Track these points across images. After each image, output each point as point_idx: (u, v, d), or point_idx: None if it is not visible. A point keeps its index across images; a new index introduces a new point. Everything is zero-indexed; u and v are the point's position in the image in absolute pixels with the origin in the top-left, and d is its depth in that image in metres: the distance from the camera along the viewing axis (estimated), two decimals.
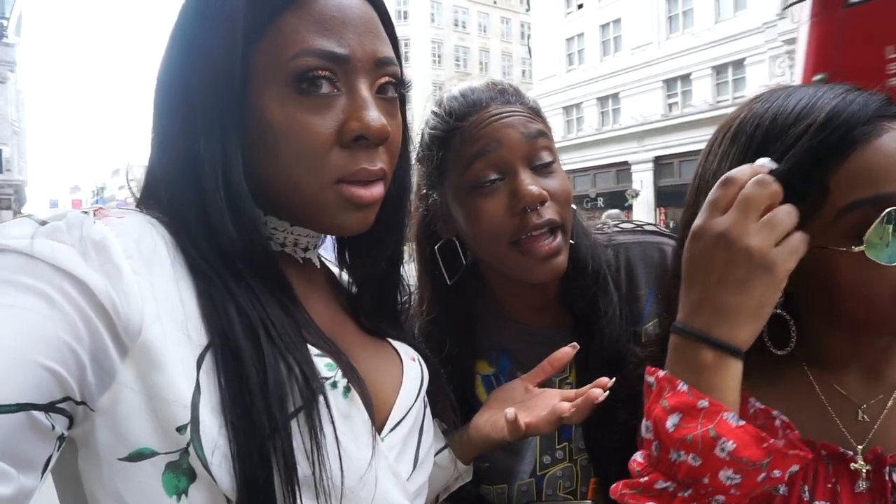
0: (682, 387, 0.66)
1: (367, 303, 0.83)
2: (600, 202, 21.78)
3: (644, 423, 0.70)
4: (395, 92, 0.70)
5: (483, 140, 0.96)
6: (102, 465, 0.53)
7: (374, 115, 0.64)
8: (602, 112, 24.52)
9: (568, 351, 0.92)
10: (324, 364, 0.63)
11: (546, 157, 0.97)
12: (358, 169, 0.65)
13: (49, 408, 0.48)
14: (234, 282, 0.60)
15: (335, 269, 0.87)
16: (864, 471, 0.72)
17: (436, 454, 0.91)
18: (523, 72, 41.79)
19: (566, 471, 1.07)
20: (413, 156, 0.82)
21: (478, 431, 0.93)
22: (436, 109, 1.02)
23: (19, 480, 0.46)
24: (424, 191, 1.08)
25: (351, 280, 0.85)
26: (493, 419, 0.90)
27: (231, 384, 0.55)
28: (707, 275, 0.66)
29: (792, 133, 0.68)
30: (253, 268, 0.63)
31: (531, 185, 0.93)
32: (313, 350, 0.63)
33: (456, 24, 44.99)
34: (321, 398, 0.59)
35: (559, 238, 0.96)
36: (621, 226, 1.18)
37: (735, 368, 0.66)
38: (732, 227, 0.64)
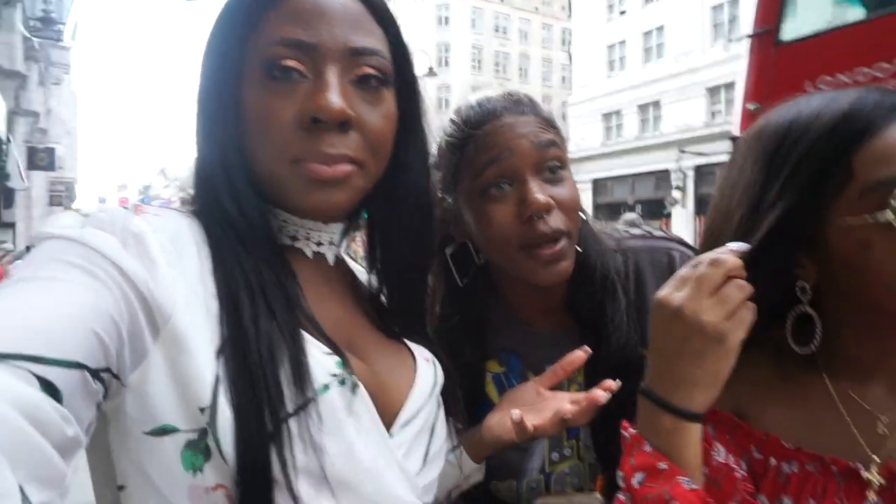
0: (647, 447, 0.72)
1: (393, 304, 0.85)
2: (638, 209, 21.51)
3: (618, 472, 0.74)
4: (377, 83, 0.71)
5: (495, 149, 0.99)
6: (129, 437, 0.58)
7: (333, 99, 0.66)
8: (642, 119, 24.22)
9: (580, 355, 0.94)
10: (333, 361, 0.65)
11: (555, 165, 1.01)
12: (316, 150, 0.67)
13: (95, 374, 0.52)
14: (246, 260, 0.66)
15: (359, 270, 0.90)
16: (877, 485, 0.71)
17: (449, 452, 0.93)
18: (563, 78, 41.55)
19: (574, 468, 1.09)
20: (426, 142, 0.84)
21: (490, 432, 0.95)
22: (454, 118, 1.07)
23: (76, 428, 0.50)
24: (440, 195, 1.11)
25: (379, 281, 0.86)
26: (504, 420, 0.92)
27: (239, 376, 0.58)
28: (666, 346, 0.72)
29: (812, 130, 0.71)
30: (258, 251, 0.67)
31: (538, 193, 0.96)
32: (322, 348, 0.66)
33: (497, 30, 44.98)
34: (322, 395, 0.62)
35: (563, 243, 0.99)
36: (632, 231, 1.19)
37: (694, 433, 0.71)
38: (687, 303, 0.69)
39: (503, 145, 0.99)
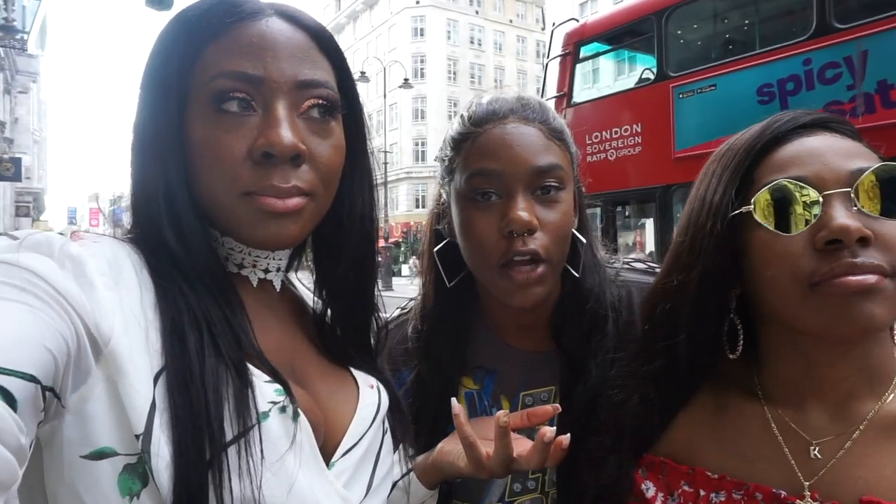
0: None
1: (338, 328, 0.84)
2: None
3: None
4: (325, 114, 0.71)
5: (490, 156, 0.94)
6: (65, 463, 0.56)
7: (285, 134, 0.66)
8: None
9: (548, 410, 0.89)
10: (272, 389, 0.64)
11: (551, 186, 0.95)
12: (267, 185, 0.66)
13: (43, 391, 0.51)
14: (189, 290, 0.65)
15: (308, 295, 0.89)
16: None
17: (399, 479, 0.91)
18: (538, 90, 42.00)
19: (535, 501, 1.04)
20: (377, 174, 0.85)
21: (444, 456, 0.92)
22: (463, 113, 1.03)
23: (27, 439, 0.49)
24: (440, 190, 1.09)
25: (323, 305, 0.85)
26: (458, 446, 0.89)
27: (178, 404, 0.57)
28: None
29: (735, 147, 0.80)
30: (202, 281, 0.66)
31: (522, 211, 0.91)
32: (262, 376, 0.65)
33: (472, 42, 45.36)
34: (263, 423, 0.61)
35: (541, 269, 0.94)
36: (633, 264, 1.15)
37: None
38: None
39: (498, 154, 0.94)
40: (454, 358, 1.08)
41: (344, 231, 0.80)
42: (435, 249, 1.07)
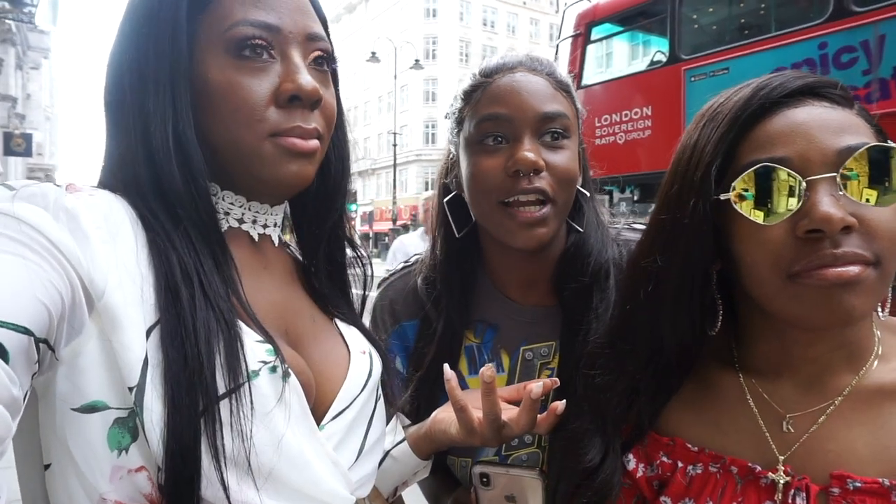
0: None
1: (320, 273, 0.86)
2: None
3: None
4: (327, 66, 0.76)
5: (498, 99, 0.98)
6: (57, 414, 0.57)
7: (308, 79, 0.70)
8: None
9: (547, 384, 0.88)
10: (263, 349, 0.64)
11: (558, 130, 0.98)
12: (293, 126, 0.70)
13: (37, 343, 0.51)
14: (182, 246, 0.64)
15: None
16: (781, 484, 0.71)
17: (392, 447, 0.93)
18: None
19: (532, 455, 1.06)
20: (349, 132, 0.89)
21: (437, 424, 0.94)
22: (474, 71, 1.06)
23: (20, 391, 0.49)
24: (448, 145, 1.11)
25: (303, 255, 0.87)
26: (452, 415, 0.91)
27: (171, 356, 0.58)
28: None
29: (719, 116, 0.75)
30: (197, 236, 0.66)
31: (528, 152, 0.94)
32: (253, 335, 0.65)
33: (485, 24, 44.93)
34: (252, 381, 0.61)
35: (546, 210, 0.96)
36: (633, 225, 1.17)
37: None
38: None
39: (508, 100, 0.97)
40: (459, 310, 1.10)
41: (323, 178, 0.82)
42: (445, 200, 1.09)
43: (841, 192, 0.65)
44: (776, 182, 0.67)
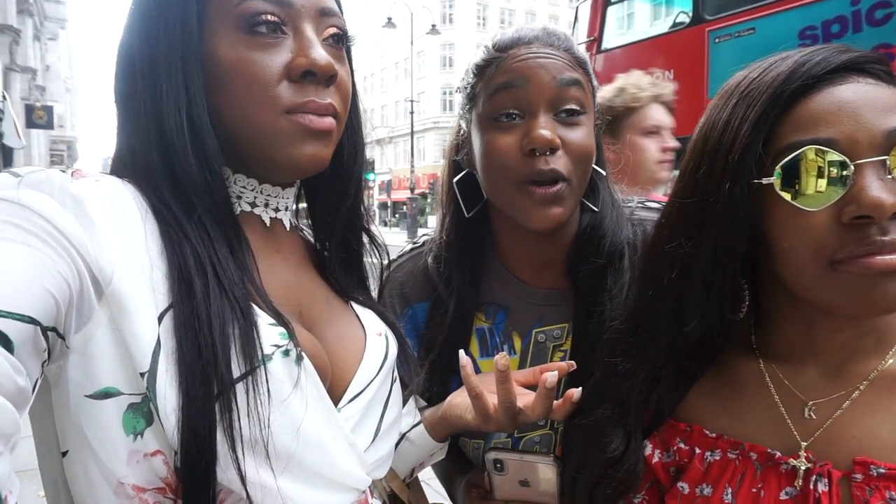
0: None
1: (334, 260, 0.85)
2: None
3: None
4: (341, 42, 0.74)
5: (513, 73, 0.94)
6: (71, 401, 0.57)
7: (322, 53, 0.69)
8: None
9: (563, 367, 0.88)
10: (277, 333, 0.64)
11: (574, 107, 0.94)
12: (307, 101, 0.68)
13: (44, 332, 0.51)
14: (195, 230, 0.64)
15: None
16: (802, 471, 0.70)
17: (409, 430, 0.94)
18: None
19: (545, 437, 1.06)
20: (361, 108, 0.86)
21: (452, 409, 0.94)
22: (487, 44, 1.02)
23: (26, 380, 0.49)
24: (459, 121, 1.08)
25: (317, 240, 0.86)
26: (468, 401, 0.90)
27: (185, 344, 0.57)
28: None
29: (754, 91, 0.69)
30: (210, 221, 0.65)
31: (544, 129, 0.91)
32: (267, 318, 0.65)
33: None
34: (267, 365, 0.61)
35: (561, 187, 0.93)
36: (647, 204, 1.14)
37: None
38: None
39: (521, 72, 0.94)
40: (470, 291, 1.08)
41: (341, 154, 0.81)
42: (455, 180, 1.06)
43: (889, 176, 0.61)
44: (822, 167, 0.63)
